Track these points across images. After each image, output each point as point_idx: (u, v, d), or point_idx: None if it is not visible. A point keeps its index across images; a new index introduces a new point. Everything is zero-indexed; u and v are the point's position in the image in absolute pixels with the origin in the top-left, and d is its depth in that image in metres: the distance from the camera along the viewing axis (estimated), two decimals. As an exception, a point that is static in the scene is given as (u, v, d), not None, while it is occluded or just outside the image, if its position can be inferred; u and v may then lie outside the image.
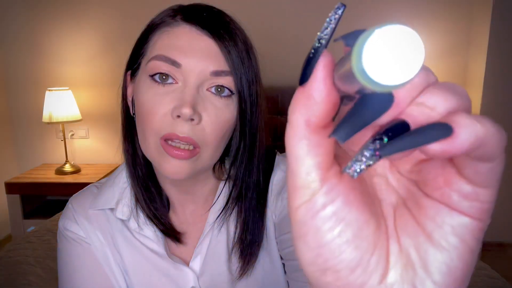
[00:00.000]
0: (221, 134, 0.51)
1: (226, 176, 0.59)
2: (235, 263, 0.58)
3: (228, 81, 0.50)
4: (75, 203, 0.60)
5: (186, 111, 0.46)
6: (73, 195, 0.62)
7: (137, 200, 0.57)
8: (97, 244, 0.58)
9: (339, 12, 0.16)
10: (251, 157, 0.55)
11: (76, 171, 2.24)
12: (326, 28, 0.16)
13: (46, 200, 2.42)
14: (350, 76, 0.13)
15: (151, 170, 0.58)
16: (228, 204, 0.58)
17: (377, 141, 0.15)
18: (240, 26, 0.53)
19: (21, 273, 1.13)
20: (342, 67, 0.15)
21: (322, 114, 0.17)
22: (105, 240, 0.58)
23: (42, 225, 1.42)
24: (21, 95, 2.40)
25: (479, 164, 0.15)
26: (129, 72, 0.56)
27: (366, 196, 0.19)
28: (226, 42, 0.49)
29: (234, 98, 0.51)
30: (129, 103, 0.56)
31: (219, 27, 0.50)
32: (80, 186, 0.73)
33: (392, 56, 0.12)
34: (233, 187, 0.57)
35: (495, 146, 0.15)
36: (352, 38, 0.15)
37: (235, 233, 0.58)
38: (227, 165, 0.59)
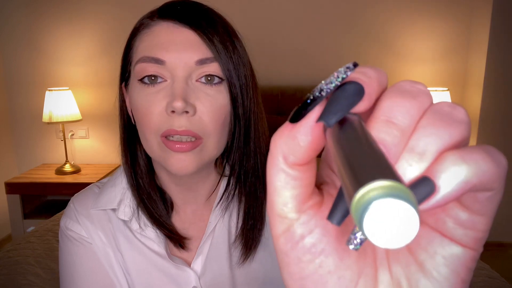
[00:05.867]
0: (220, 121, 0.51)
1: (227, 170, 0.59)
2: (237, 252, 0.58)
3: (215, 67, 0.50)
4: (77, 202, 0.60)
5: (178, 104, 0.47)
6: (75, 195, 0.62)
7: (140, 206, 0.57)
8: (99, 244, 0.58)
9: (348, 73, 0.16)
10: (247, 140, 0.55)
11: (76, 171, 2.24)
12: (331, 83, 0.16)
13: (46, 200, 2.42)
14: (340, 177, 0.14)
15: (152, 177, 0.58)
16: (230, 188, 0.58)
17: None
18: (221, 14, 0.53)
19: (21, 273, 1.13)
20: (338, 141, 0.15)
21: (302, 156, 0.17)
22: (107, 240, 0.58)
23: (42, 225, 1.42)
24: (21, 95, 2.40)
25: (478, 193, 0.15)
26: (123, 84, 0.56)
27: (347, 225, 0.19)
28: (205, 30, 0.49)
29: (225, 84, 0.51)
30: (130, 114, 0.56)
31: (197, 17, 0.50)
32: (80, 186, 0.73)
33: (390, 227, 0.12)
34: (231, 171, 0.57)
35: (491, 179, 0.14)
36: (332, 116, 0.16)
37: (236, 222, 0.58)
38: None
